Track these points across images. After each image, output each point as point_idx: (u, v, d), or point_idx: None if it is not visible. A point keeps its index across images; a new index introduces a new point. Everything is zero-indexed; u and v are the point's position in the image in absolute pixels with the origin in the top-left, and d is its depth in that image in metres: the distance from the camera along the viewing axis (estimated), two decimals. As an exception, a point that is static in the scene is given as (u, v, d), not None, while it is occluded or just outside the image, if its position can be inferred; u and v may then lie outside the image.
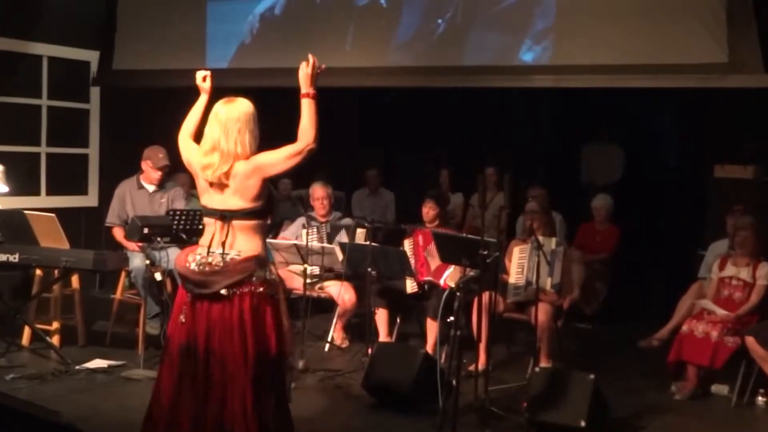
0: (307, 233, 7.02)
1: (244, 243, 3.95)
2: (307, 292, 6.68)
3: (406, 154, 10.31)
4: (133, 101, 9.19)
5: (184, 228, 6.37)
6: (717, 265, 6.53)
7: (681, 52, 6.83)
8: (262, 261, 4.00)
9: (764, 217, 6.64)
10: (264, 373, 3.91)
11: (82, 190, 9.40)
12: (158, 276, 6.40)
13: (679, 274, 7.77)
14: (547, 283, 6.39)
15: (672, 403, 6.06)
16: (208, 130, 3.99)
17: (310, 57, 4.04)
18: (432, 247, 6.65)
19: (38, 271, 6.86)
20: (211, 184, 3.98)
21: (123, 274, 7.11)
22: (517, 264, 6.62)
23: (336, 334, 7.28)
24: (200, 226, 6.06)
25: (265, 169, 3.92)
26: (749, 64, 6.56)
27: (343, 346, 7.24)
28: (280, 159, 3.93)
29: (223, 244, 3.94)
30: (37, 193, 8.92)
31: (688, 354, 6.13)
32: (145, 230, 6.16)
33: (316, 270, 7.09)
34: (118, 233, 7.06)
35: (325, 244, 7.09)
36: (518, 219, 8.11)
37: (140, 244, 6.60)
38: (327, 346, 7.15)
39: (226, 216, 3.95)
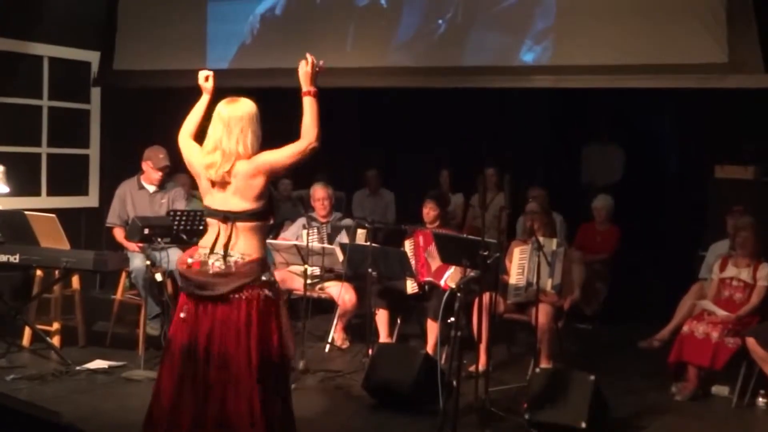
0: (308, 234, 7.02)
1: (246, 244, 3.95)
2: (308, 293, 6.68)
3: (407, 155, 10.31)
4: (134, 102, 9.19)
5: (185, 229, 6.36)
6: (717, 265, 6.53)
7: (681, 52, 6.83)
8: (265, 263, 4.01)
9: (764, 217, 6.64)
10: (269, 374, 3.92)
11: (83, 191, 9.40)
12: (159, 277, 6.39)
13: (680, 274, 7.77)
14: (548, 284, 6.38)
15: (672, 404, 6.05)
16: (211, 130, 4.00)
17: (309, 56, 4.05)
18: (432, 248, 6.65)
19: (39, 272, 6.86)
20: (214, 185, 3.99)
21: (123, 274, 7.11)
22: (518, 265, 6.62)
23: (336, 334, 7.28)
24: (201, 227, 6.08)
25: (267, 167, 3.93)
26: (749, 64, 6.56)
27: (344, 346, 7.24)
28: (282, 157, 3.94)
29: (226, 245, 3.94)
30: (37, 193, 8.92)
31: (689, 355, 6.13)
32: (146, 231, 6.16)
33: (317, 271, 7.09)
34: (119, 234, 7.05)
35: (326, 245, 7.09)
36: (518, 220, 8.10)
37: (141, 244, 6.61)
38: (327, 346, 7.15)
39: (228, 217, 3.95)
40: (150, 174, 7.04)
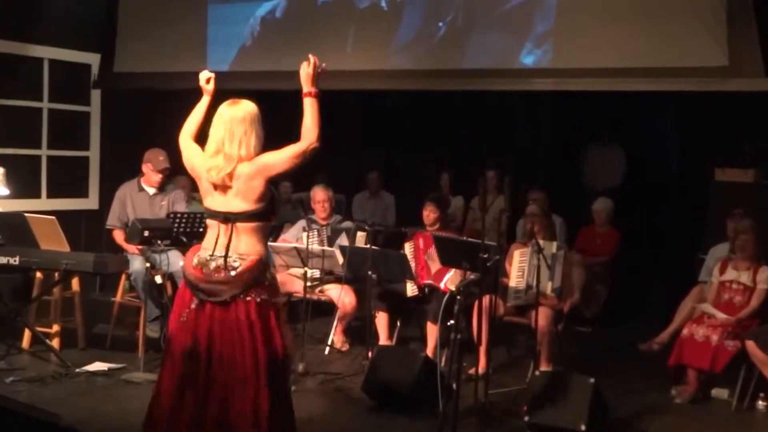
0: (308, 236, 7.01)
1: (247, 245, 3.96)
2: (308, 296, 6.67)
3: (407, 157, 10.32)
4: (134, 104, 9.19)
5: (185, 231, 6.36)
6: (717, 268, 6.53)
7: (681, 55, 6.82)
8: (266, 263, 4.02)
9: (765, 220, 6.63)
10: (271, 375, 3.93)
11: (83, 193, 9.40)
12: (158, 279, 6.38)
13: (680, 277, 7.77)
14: (548, 286, 6.38)
15: (672, 407, 6.05)
16: (213, 132, 4.01)
17: (311, 57, 4.05)
18: (432, 251, 6.65)
19: (38, 274, 6.87)
20: (215, 186, 4.00)
21: (123, 276, 7.10)
22: (518, 267, 6.62)
23: (336, 337, 7.28)
24: (201, 230, 6.08)
25: (269, 168, 3.94)
26: (750, 67, 6.55)
27: (344, 349, 7.23)
28: (284, 158, 3.95)
29: (226, 246, 3.95)
30: (37, 195, 8.92)
31: (689, 358, 6.13)
32: (146, 233, 6.16)
33: (317, 273, 7.09)
34: (119, 236, 7.05)
35: (326, 247, 7.09)
36: (519, 222, 8.10)
37: (140, 246, 6.60)
38: (327, 349, 7.14)
39: (229, 218, 3.96)
40: (150, 176, 7.04)
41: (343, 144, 8.76)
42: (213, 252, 3.97)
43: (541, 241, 6.30)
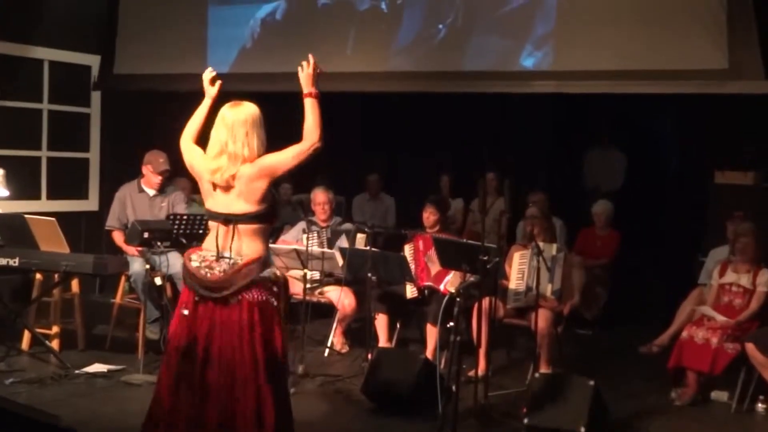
0: (308, 238, 7.02)
1: (247, 246, 3.97)
2: (307, 297, 6.68)
3: (407, 159, 10.33)
4: (134, 105, 9.19)
5: (185, 232, 6.36)
6: (717, 271, 6.53)
7: (681, 57, 6.83)
8: (265, 264, 4.02)
9: (764, 223, 6.63)
10: (271, 375, 3.93)
11: (83, 195, 9.40)
12: (158, 280, 6.38)
13: (680, 279, 7.77)
14: (548, 289, 6.38)
15: (672, 409, 6.05)
16: (215, 134, 4.01)
17: (311, 57, 4.06)
18: (432, 253, 6.65)
19: (38, 275, 6.86)
20: (216, 188, 4.00)
21: (123, 278, 7.10)
22: (518, 270, 6.62)
23: (336, 339, 7.28)
24: (200, 231, 6.09)
25: (271, 169, 3.95)
26: (749, 70, 6.56)
27: (343, 351, 7.23)
28: (286, 159, 3.96)
29: (228, 248, 3.95)
30: (37, 197, 8.92)
31: (688, 360, 6.12)
32: (145, 234, 6.16)
33: (316, 275, 7.09)
34: (118, 237, 7.05)
35: (326, 249, 7.09)
36: (519, 224, 8.10)
37: (140, 248, 6.60)
38: (327, 351, 7.15)
39: (230, 219, 3.97)
40: (150, 178, 7.04)
41: (343, 146, 8.74)
42: (214, 254, 3.98)
43: (541, 244, 6.31)
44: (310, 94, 4.02)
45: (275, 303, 4.00)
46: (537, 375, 5.71)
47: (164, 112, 8.80)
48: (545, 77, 7.54)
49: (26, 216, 6.73)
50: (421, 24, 8.02)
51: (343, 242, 7.24)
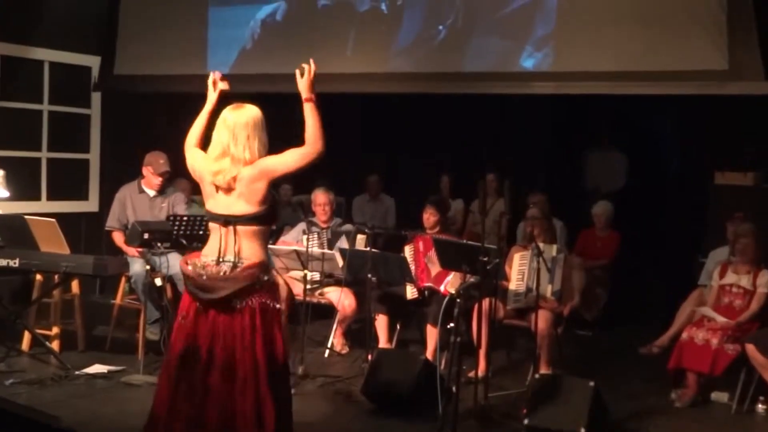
0: (308, 239, 7.02)
1: (247, 248, 3.97)
2: (307, 298, 6.67)
3: (407, 160, 10.32)
4: (134, 106, 9.20)
5: (185, 233, 6.36)
6: (717, 272, 6.53)
7: (681, 58, 6.83)
8: (266, 266, 4.02)
9: (764, 224, 6.63)
10: (272, 378, 3.93)
11: (83, 195, 9.40)
12: (158, 281, 6.38)
13: (680, 280, 7.77)
14: (548, 290, 6.39)
15: (672, 410, 6.05)
16: (216, 136, 4.01)
17: (311, 62, 4.05)
18: (432, 254, 6.65)
19: (38, 276, 6.86)
20: (217, 189, 4.00)
21: (123, 279, 7.10)
22: (518, 271, 6.62)
23: (336, 340, 7.27)
24: (201, 232, 6.08)
25: (271, 171, 3.95)
26: (749, 71, 6.56)
27: (343, 352, 7.23)
28: (288, 162, 3.96)
29: (227, 249, 3.95)
30: (37, 198, 8.92)
31: (688, 361, 6.12)
32: (146, 235, 6.16)
33: (317, 276, 7.09)
34: (118, 238, 7.05)
35: (326, 250, 7.09)
36: (519, 225, 8.11)
37: (140, 249, 6.60)
38: (327, 352, 7.15)
39: (230, 221, 3.97)
40: (150, 179, 7.04)
41: (343, 147, 8.70)
42: (214, 258, 3.98)
43: (541, 245, 6.31)
44: (310, 99, 4.02)
45: (276, 307, 4.01)
46: (537, 376, 5.71)
47: (164, 113, 8.83)
48: (545, 78, 7.54)
49: (26, 217, 6.74)
50: (421, 25, 8.02)
51: (343, 243, 7.24)
